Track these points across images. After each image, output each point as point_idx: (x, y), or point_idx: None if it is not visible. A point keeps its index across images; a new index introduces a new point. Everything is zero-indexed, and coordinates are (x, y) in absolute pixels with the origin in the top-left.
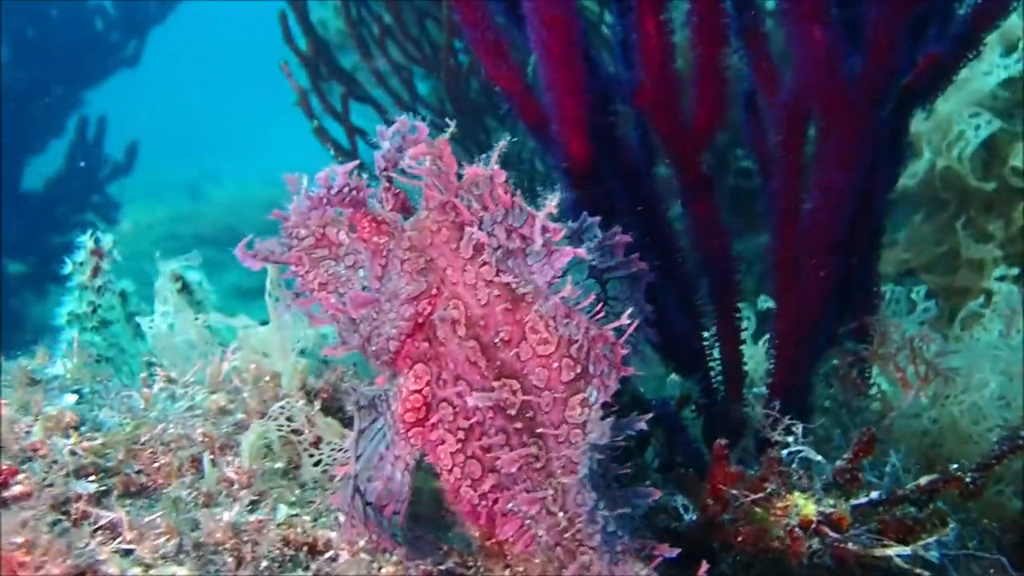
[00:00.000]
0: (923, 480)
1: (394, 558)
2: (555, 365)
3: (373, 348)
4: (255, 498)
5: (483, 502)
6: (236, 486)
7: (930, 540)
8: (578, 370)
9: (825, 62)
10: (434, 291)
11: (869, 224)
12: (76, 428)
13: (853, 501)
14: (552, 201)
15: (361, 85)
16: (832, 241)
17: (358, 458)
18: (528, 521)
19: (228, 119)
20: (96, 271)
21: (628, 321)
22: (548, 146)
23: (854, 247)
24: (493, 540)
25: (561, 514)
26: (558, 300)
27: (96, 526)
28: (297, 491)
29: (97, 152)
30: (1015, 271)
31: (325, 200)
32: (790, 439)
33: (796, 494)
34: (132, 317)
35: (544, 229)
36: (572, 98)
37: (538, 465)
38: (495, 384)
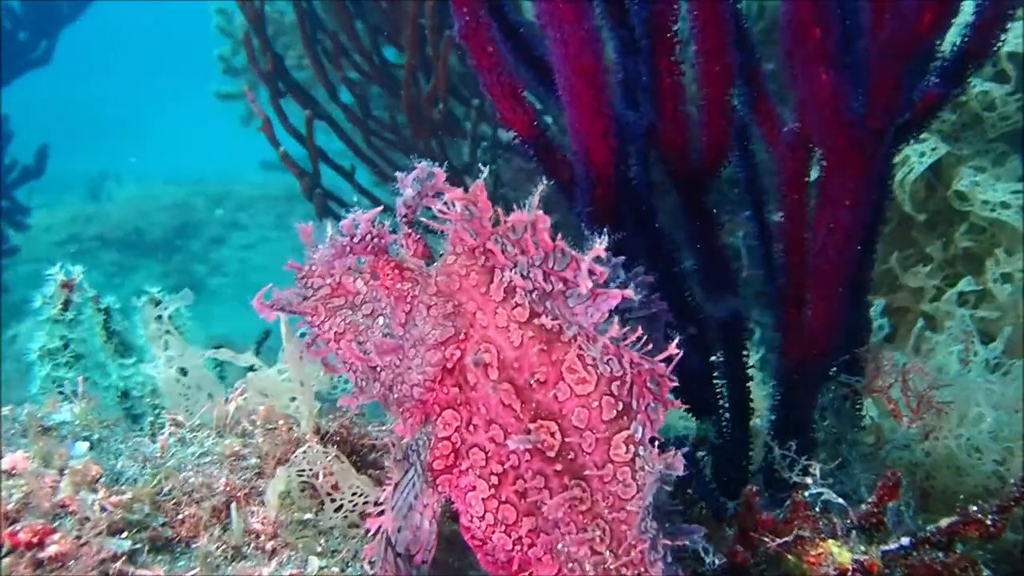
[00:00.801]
0: (944, 522)
1: None
2: (595, 404)
3: (396, 396)
4: (287, 551)
5: (516, 547)
6: (263, 537)
7: None
8: (620, 407)
9: (832, 103)
10: (462, 336)
11: (866, 258)
12: (98, 480)
13: (883, 547)
14: (600, 244)
15: (319, 103)
16: (840, 279)
17: (391, 510)
18: (572, 564)
19: (124, 119)
20: (67, 304)
21: (677, 352)
22: (568, 189)
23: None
24: None
25: (608, 552)
26: (607, 340)
27: None
28: (322, 540)
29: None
30: (979, 288)
31: (348, 248)
32: (808, 480)
33: (830, 542)
34: (115, 335)
35: (591, 272)
36: (601, 144)
37: (583, 507)
38: (531, 426)
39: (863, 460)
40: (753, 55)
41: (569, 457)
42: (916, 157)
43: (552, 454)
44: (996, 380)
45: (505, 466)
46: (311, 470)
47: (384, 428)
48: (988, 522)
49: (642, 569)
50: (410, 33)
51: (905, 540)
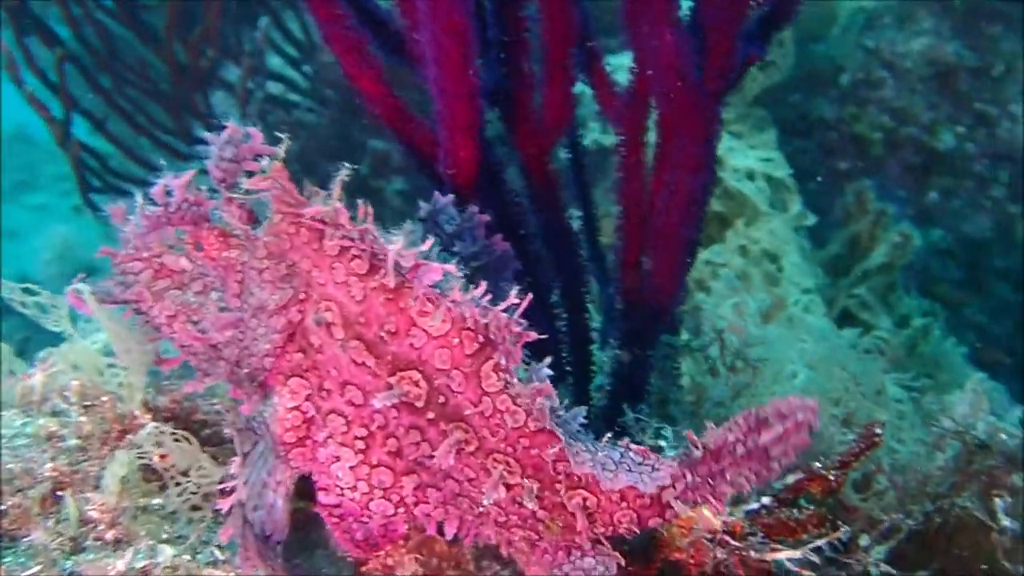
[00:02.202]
0: (790, 479)
1: None
2: (455, 341)
3: (246, 370)
4: (133, 540)
5: (400, 510)
6: (102, 526)
7: (820, 542)
8: (481, 339)
9: (675, 64)
10: (301, 296)
11: (700, 219)
12: None
13: (745, 507)
14: (399, 240)
15: (65, 45)
16: (682, 240)
17: (243, 484)
18: (484, 509)
19: None
20: None
21: (517, 300)
22: (420, 151)
23: None
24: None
25: (527, 480)
26: (448, 304)
27: None
28: (166, 526)
29: None
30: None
31: (164, 219)
32: (663, 443)
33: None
34: None
35: (397, 264)
36: (467, 105)
37: (471, 448)
38: (392, 380)
39: (686, 420)
40: (584, 13)
41: (440, 402)
42: None
43: (421, 404)
44: (809, 338)
45: (371, 428)
46: (154, 451)
47: (214, 402)
48: (830, 477)
49: (579, 478)
50: None
51: (766, 499)
